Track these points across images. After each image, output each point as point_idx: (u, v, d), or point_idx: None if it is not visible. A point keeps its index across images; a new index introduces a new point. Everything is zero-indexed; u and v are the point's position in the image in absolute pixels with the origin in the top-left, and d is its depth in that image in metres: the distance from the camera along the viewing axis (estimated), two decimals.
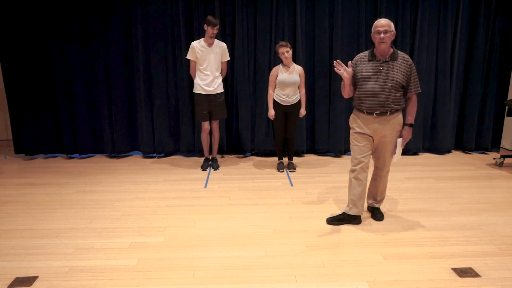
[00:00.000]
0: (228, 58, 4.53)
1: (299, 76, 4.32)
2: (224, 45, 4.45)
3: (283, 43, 4.21)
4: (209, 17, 4.18)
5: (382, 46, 2.82)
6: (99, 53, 4.92)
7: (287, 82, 4.27)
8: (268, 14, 4.91)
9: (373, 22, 2.90)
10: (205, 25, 4.22)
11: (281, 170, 4.60)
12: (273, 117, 4.39)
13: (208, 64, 4.36)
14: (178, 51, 4.95)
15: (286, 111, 4.41)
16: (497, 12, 5.07)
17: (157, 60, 4.96)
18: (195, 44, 4.33)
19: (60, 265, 2.51)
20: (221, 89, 4.51)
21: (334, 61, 2.89)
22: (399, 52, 2.91)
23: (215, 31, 4.23)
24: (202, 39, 4.35)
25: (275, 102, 4.38)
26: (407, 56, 2.90)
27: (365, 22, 4.97)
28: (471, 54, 5.19)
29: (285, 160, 5.04)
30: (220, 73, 4.53)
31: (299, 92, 4.39)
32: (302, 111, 4.41)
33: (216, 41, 4.38)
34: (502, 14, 5.09)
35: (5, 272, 2.43)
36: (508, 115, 4.76)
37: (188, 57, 4.40)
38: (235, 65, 5.01)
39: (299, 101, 4.39)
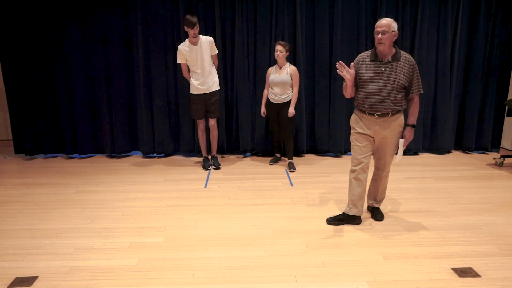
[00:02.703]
0: (217, 51, 4.45)
1: (290, 76, 4.39)
2: (211, 38, 4.34)
3: (281, 42, 4.34)
4: (187, 17, 4.06)
5: (380, 47, 2.81)
6: (99, 53, 4.92)
7: (274, 82, 4.43)
8: (268, 13, 4.90)
9: (373, 22, 2.88)
10: (185, 27, 4.12)
11: (271, 163, 4.73)
12: (263, 114, 4.63)
13: (199, 63, 4.33)
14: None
15: (278, 110, 4.54)
16: (497, 12, 5.07)
17: (157, 60, 4.96)
18: (181, 47, 4.29)
19: (60, 265, 2.51)
20: (216, 87, 4.49)
21: (337, 63, 2.88)
22: (401, 52, 2.88)
23: (196, 31, 4.13)
24: (187, 40, 4.30)
25: (268, 100, 4.58)
26: (409, 56, 2.87)
27: (365, 22, 4.96)
28: (471, 54, 5.19)
29: (286, 160, 5.05)
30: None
31: (292, 92, 4.46)
32: (290, 110, 4.43)
33: (202, 38, 4.28)
34: (502, 14, 5.08)
35: (5, 272, 2.43)
36: (508, 115, 4.76)
37: (178, 61, 4.36)
38: (235, 65, 5.01)
39: (291, 100, 4.46)
